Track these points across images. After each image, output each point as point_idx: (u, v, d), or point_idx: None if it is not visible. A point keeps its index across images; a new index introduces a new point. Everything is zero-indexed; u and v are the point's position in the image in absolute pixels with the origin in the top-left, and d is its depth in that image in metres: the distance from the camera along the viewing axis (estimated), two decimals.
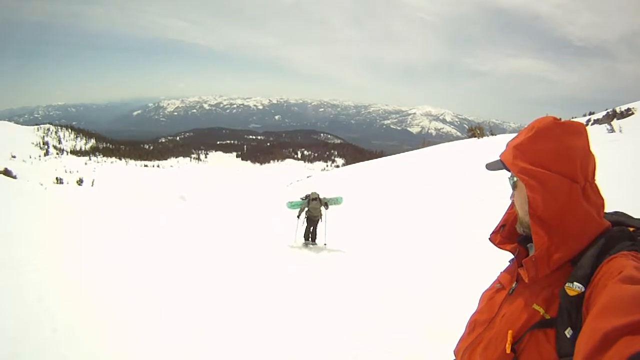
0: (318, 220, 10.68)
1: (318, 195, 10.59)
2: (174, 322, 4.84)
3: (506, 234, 1.39)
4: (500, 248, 1.38)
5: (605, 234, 1.12)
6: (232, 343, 4.42)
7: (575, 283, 1.03)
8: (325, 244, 10.42)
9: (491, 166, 1.32)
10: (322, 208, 10.52)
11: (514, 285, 1.28)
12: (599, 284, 0.95)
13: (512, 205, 1.34)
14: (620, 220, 1.22)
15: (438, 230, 10.56)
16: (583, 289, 1.00)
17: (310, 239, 10.66)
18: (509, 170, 1.19)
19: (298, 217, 10.67)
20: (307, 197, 10.71)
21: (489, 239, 1.42)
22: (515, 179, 1.19)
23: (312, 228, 10.72)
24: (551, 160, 1.11)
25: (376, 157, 28.21)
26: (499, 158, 1.24)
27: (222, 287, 6.30)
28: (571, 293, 1.02)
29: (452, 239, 9.52)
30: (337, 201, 11.14)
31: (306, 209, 10.59)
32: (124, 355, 4.07)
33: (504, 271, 1.41)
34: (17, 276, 6.09)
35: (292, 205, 11.29)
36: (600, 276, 0.98)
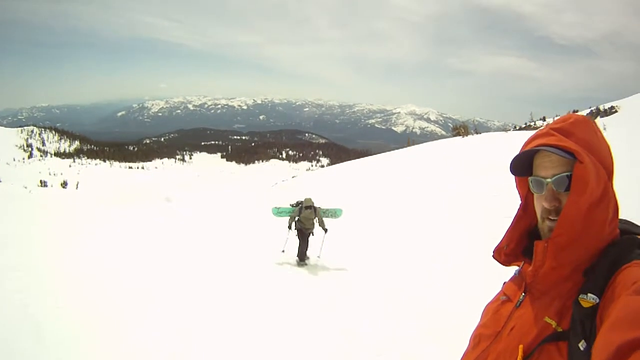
0: (310, 233, 8.82)
1: (313, 203, 8.77)
2: (159, 331, 4.84)
3: (510, 252, 1.27)
4: (506, 266, 1.30)
5: (617, 242, 1.06)
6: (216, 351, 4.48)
7: (589, 294, 0.96)
8: (318, 257, 8.86)
9: (519, 162, 1.14)
10: (315, 220, 8.73)
11: (521, 297, 1.18)
12: (613, 295, 0.90)
13: (521, 219, 1.21)
14: (626, 228, 1.15)
15: (432, 229, 9.96)
16: (597, 301, 0.94)
17: (300, 259, 8.79)
18: (559, 150, 1.00)
19: (289, 227, 8.72)
20: (298, 204, 8.98)
21: (493, 256, 1.30)
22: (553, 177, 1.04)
23: (302, 243, 8.78)
24: (595, 150, 1.02)
25: (361, 157, 27.47)
26: (536, 147, 1.06)
27: (205, 299, 6.10)
28: (585, 305, 0.95)
29: (446, 238, 9.14)
30: (335, 214, 9.67)
31: (297, 218, 8.76)
32: None
33: (509, 281, 1.32)
34: (0, 283, 5.91)
35: (279, 212, 9.57)
36: (614, 287, 0.92)
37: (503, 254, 1.29)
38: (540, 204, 1.11)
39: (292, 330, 5.13)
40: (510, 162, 1.14)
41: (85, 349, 4.28)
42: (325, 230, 8.66)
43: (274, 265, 8.40)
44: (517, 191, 0.98)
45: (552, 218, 1.07)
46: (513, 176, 1.19)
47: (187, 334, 4.80)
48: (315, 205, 8.82)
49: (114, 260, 7.81)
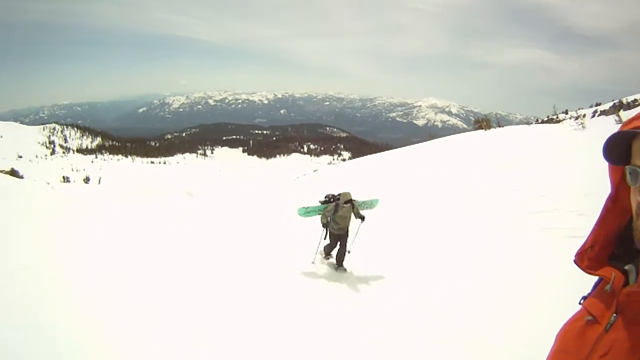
0: (347, 234, 7.48)
1: (351, 197, 7.26)
2: (173, 336, 4.55)
3: (595, 255, 1.12)
4: (589, 273, 1.13)
5: None
6: None
7: None
8: (348, 251, 7.69)
9: (614, 145, 1.01)
10: (353, 216, 7.38)
11: (612, 319, 1.03)
12: None
13: (609, 213, 1.08)
14: None
15: (453, 224, 9.30)
16: None
17: (335, 259, 7.64)
18: None
19: (323, 225, 7.35)
20: (332, 199, 7.65)
21: (574, 261, 1.17)
22: None
23: (338, 244, 7.48)
24: None
25: (383, 150, 27.42)
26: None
27: (221, 304, 5.61)
28: None
29: (468, 234, 8.49)
30: (371, 205, 8.37)
31: (331, 216, 7.27)
32: None
33: (592, 297, 1.14)
34: (18, 280, 5.68)
35: (307, 212, 7.93)
36: None
37: (586, 258, 1.08)
38: (636, 198, 0.95)
39: (314, 337, 4.86)
40: (603, 144, 0.98)
41: (99, 351, 4.10)
42: (363, 218, 7.35)
43: (303, 269, 7.48)
44: (608, 178, 0.98)
45: None
46: (607, 163, 1.00)
47: (203, 340, 4.53)
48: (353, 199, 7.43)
49: (133, 259, 7.33)
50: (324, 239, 7.65)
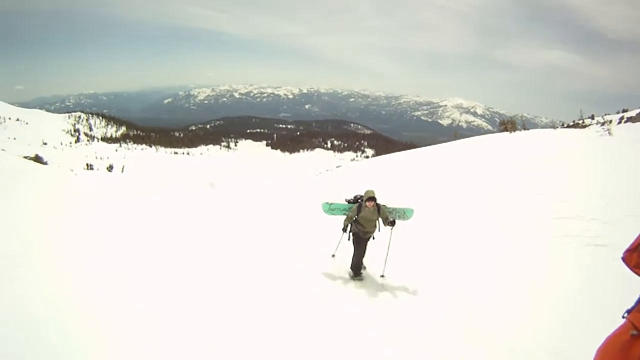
0: (369, 238, 6.74)
1: (374, 195, 6.45)
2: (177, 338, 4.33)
3: None
4: (637, 272, 1.09)
5: None
6: None
7: None
8: (382, 276, 6.80)
9: None
10: (378, 220, 6.63)
11: None
12: None
13: None
14: None
15: (488, 230, 8.70)
16: None
17: (354, 272, 6.79)
18: None
19: (344, 230, 6.70)
20: (357, 199, 6.91)
21: (623, 258, 1.13)
22: None
23: (358, 251, 6.72)
24: None
25: (407, 149, 26.84)
26: None
27: (233, 309, 5.18)
28: None
29: (507, 241, 7.92)
30: (404, 215, 7.15)
31: (355, 218, 6.62)
32: None
33: (637, 310, 1.09)
34: (24, 270, 5.67)
35: (330, 209, 7.19)
36: None
37: (635, 257, 1.04)
38: None
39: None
40: None
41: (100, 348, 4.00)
42: (392, 223, 6.48)
43: (320, 276, 6.79)
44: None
45: None
46: None
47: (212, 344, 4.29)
48: (378, 201, 6.59)
49: (128, 256, 7.04)
50: (348, 240, 6.83)
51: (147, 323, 4.54)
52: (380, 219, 6.58)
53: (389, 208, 6.87)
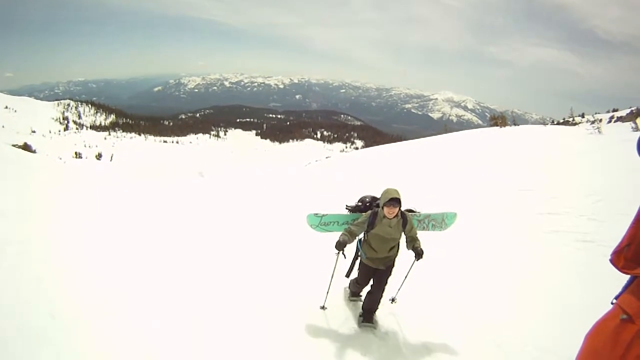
0: (390, 267, 4.24)
1: (399, 197, 3.84)
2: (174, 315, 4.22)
3: (632, 255, 1.09)
4: (625, 272, 1.10)
5: None
6: None
7: None
8: (393, 300, 4.81)
9: None
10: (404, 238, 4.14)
11: None
12: None
13: None
14: None
15: (480, 228, 8.13)
16: None
17: (362, 308, 4.39)
18: None
19: (339, 248, 3.88)
20: (368, 204, 4.37)
21: (610, 260, 1.14)
22: None
23: (371, 282, 4.33)
24: None
25: (396, 141, 27.06)
26: None
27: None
28: None
29: (499, 239, 7.56)
30: (442, 223, 4.82)
31: (362, 237, 4.26)
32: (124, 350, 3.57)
33: (626, 294, 1.09)
34: (18, 254, 5.40)
35: (321, 224, 4.43)
36: None
37: (623, 258, 1.04)
38: None
39: None
40: (637, 141, 0.96)
41: (97, 331, 3.81)
42: (419, 254, 3.97)
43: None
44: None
45: None
46: None
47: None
48: (409, 206, 4.52)
49: (135, 241, 6.86)
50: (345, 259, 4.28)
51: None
52: (405, 236, 4.11)
53: (421, 215, 4.62)
